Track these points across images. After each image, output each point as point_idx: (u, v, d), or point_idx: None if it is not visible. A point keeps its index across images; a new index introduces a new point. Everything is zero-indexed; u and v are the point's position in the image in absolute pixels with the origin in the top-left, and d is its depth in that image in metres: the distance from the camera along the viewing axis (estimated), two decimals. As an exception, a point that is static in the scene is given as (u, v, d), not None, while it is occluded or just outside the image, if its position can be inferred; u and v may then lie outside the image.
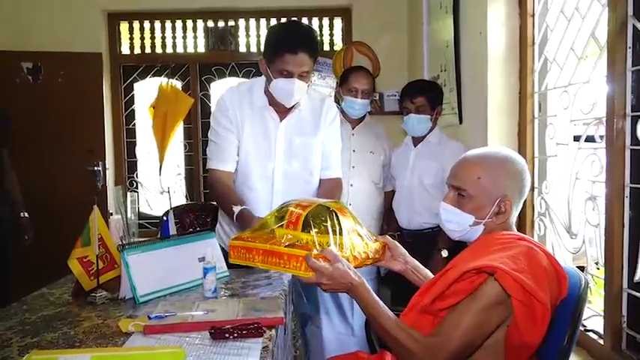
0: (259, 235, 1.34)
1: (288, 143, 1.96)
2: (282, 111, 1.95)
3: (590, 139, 1.70)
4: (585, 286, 1.23)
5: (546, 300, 1.10)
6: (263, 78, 1.95)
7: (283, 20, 3.88)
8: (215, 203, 2.22)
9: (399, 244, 1.43)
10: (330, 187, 2.03)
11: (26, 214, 2.89)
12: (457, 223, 1.29)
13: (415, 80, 2.71)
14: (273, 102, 1.92)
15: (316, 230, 1.26)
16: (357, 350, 1.75)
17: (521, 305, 1.09)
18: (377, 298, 1.22)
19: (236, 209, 1.80)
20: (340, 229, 1.27)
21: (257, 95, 1.95)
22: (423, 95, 2.41)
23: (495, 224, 1.27)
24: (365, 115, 2.65)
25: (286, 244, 1.26)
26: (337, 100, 2.75)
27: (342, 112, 2.64)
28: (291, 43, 1.78)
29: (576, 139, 1.77)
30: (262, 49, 1.91)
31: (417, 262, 1.48)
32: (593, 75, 1.67)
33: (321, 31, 3.92)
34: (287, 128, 1.96)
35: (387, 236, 1.45)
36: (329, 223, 1.27)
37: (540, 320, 1.10)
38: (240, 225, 1.77)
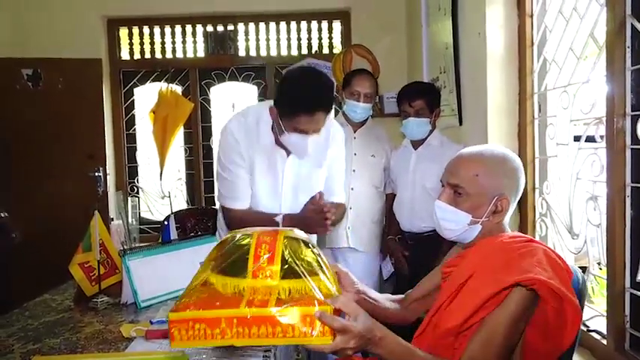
0: (214, 296, 0.94)
1: (296, 176, 1.91)
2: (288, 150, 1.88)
3: (590, 139, 1.70)
4: (583, 281, 1.23)
5: (576, 302, 1.08)
6: (267, 110, 1.84)
7: (283, 24, 3.89)
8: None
9: (348, 272, 1.28)
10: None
11: (6, 214, 2.86)
12: (454, 222, 1.25)
13: (412, 83, 2.64)
14: (279, 141, 1.84)
15: (307, 269, 0.96)
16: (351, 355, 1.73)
17: (554, 311, 1.09)
18: (407, 344, 1.06)
19: (278, 219, 1.83)
20: (324, 262, 1.02)
21: (264, 132, 1.86)
22: (422, 98, 2.39)
23: (492, 223, 1.24)
24: (367, 119, 2.65)
25: (269, 300, 0.90)
26: (339, 103, 2.75)
27: (344, 114, 2.64)
28: (308, 105, 1.68)
29: (577, 139, 1.77)
30: (275, 94, 1.80)
31: (365, 287, 1.37)
32: (592, 75, 1.67)
33: (320, 34, 3.93)
34: (294, 161, 1.90)
35: (337, 265, 1.29)
36: (310, 258, 1.00)
37: (571, 324, 1.09)
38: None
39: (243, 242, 1.02)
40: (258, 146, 1.86)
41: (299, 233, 1.07)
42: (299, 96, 1.68)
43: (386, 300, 1.44)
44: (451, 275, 1.27)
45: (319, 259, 1.01)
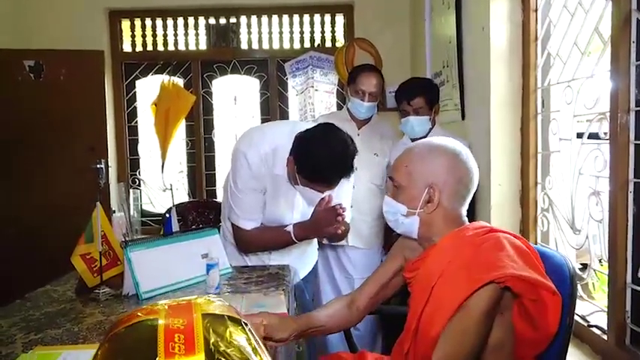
0: None
1: (307, 208, 1.91)
2: None
3: (593, 136, 1.69)
4: (573, 267, 1.23)
5: (552, 286, 1.08)
6: (285, 142, 1.78)
7: (286, 17, 3.87)
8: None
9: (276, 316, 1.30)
10: None
11: None
12: (392, 213, 1.27)
13: (409, 80, 2.54)
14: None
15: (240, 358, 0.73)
16: (338, 351, 1.73)
17: (532, 303, 1.09)
18: None
19: (289, 229, 1.85)
20: (257, 340, 0.80)
21: (279, 166, 1.82)
22: (420, 96, 2.33)
23: (427, 214, 1.23)
24: (372, 116, 2.63)
25: None
26: (343, 99, 2.74)
27: (348, 110, 2.63)
28: (331, 179, 1.69)
29: (579, 136, 1.76)
30: (294, 150, 1.74)
31: (304, 319, 1.39)
32: (596, 70, 1.66)
33: (323, 27, 3.92)
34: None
35: (265, 313, 1.30)
36: (242, 339, 0.77)
37: (552, 308, 1.09)
38: (305, 234, 1.86)
39: (143, 335, 0.74)
40: (271, 175, 1.84)
41: (219, 304, 0.84)
42: (323, 169, 1.64)
43: (331, 314, 1.43)
44: (417, 278, 1.25)
45: (251, 336, 0.80)
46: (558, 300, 1.10)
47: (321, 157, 1.63)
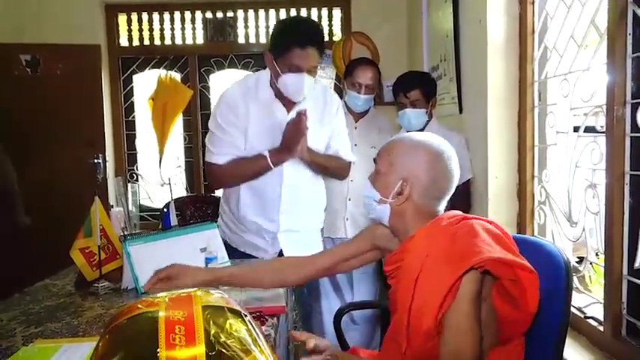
0: None
1: None
2: (289, 103, 1.95)
3: (590, 129, 1.70)
4: (568, 258, 1.24)
5: (529, 265, 1.10)
6: (267, 71, 1.94)
7: (283, 12, 3.88)
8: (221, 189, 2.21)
9: None
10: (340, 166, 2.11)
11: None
12: (367, 197, 1.29)
13: (406, 73, 2.57)
14: (279, 95, 1.92)
15: (241, 349, 0.74)
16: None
17: (511, 284, 1.11)
18: None
19: (265, 153, 1.86)
20: (257, 331, 0.81)
21: (263, 88, 1.94)
22: (417, 88, 2.34)
23: (397, 206, 1.24)
24: (369, 109, 2.64)
25: None
26: (341, 92, 2.74)
27: (345, 104, 2.63)
28: (300, 39, 1.79)
29: (576, 129, 1.77)
30: (269, 42, 1.91)
31: (216, 272, 1.43)
32: (593, 63, 1.66)
33: (319, 21, 3.90)
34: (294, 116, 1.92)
35: None
36: (242, 330, 0.78)
37: (530, 287, 1.10)
38: (280, 155, 1.86)
39: (144, 327, 0.75)
40: (257, 101, 1.93)
41: (219, 296, 0.85)
42: (291, 31, 1.83)
43: (254, 268, 1.49)
44: (399, 272, 1.26)
45: (251, 327, 0.80)
46: (535, 278, 1.11)
47: (286, 24, 1.90)
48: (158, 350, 0.71)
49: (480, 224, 1.18)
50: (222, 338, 0.75)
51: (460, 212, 1.28)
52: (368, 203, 1.30)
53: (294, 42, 1.79)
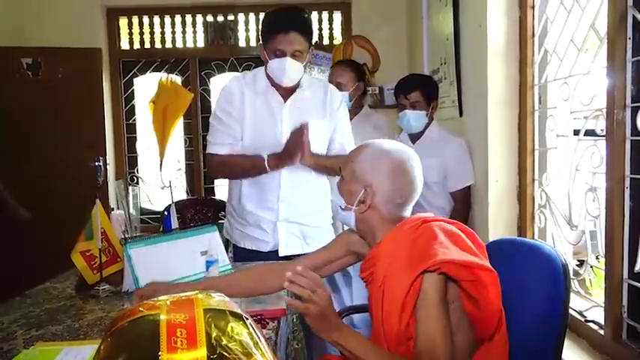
0: None
1: (295, 124, 1.94)
2: (285, 93, 1.99)
3: (590, 132, 1.70)
4: (565, 260, 1.24)
5: (487, 265, 1.11)
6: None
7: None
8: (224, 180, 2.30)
9: None
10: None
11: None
12: (333, 202, 1.37)
13: (408, 75, 2.60)
14: (274, 84, 1.97)
15: (242, 352, 0.74)
16: (326, 354, 1.72)
17: (471, 284, 1.11)
18: (365, 339, 1.14)
19: (264, 154, 1.88)
20: (258, 335, 0.80)
21: (259, 79, 2.01)
22: (418, 90, 2.35)
23: (360, 214, 1.25)
24: (361, 108, 2.66)
25: None
26: None
27: None
28: (282, 24, 1.86)
29: (576, 133, 1.77)
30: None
31: (202, 285, 1.43)
32: (593, 66, 1.67)
33: (320, 25, 3.92)
34: (292, 109, 1.99)
35: None
36: (243, 333, 0.78)
37: (491, 284, 1.12)
38: (278, 161, 1.87)
39: (145, 330, 0.75)
40: (254, 91, 2.00)
41: (220, 299, 0.85)
42: (274, 19, 1.90)
43: (234, 283, 1.46)
44: (371, 280, 1.27)
45: (252, 331, 0.80)
46: (495, 277, 1.12)
47: (271, 12, 1.93)
48: (160, 353, 0.71)
49: (440, 226, 1.19)
50: (224, 341, 0.75)
51: (423, 215, 1.27)
52: (334, 209, 1.34)
53: (276, 27, 1.87)
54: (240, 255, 2.04)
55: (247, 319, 0.84)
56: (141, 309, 0.81)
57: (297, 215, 2.03)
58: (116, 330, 0.79)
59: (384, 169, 1.23)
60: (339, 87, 2.52)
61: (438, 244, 1.13)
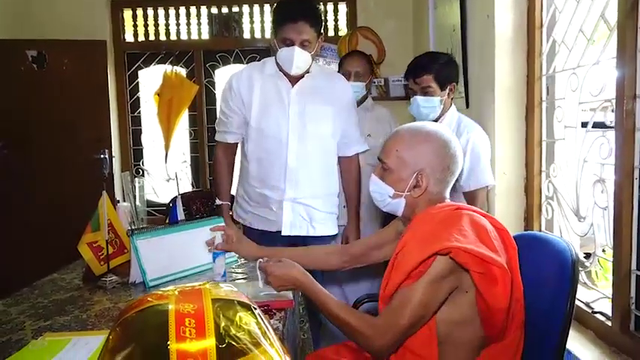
0: None
1: (302, 108, 2.05)
2: (293, 80, 2.05)
3: (598, 124, 1.68)
4: (576, 253, 1.25)
5: (501, 262, 1.12)
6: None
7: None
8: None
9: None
10: (349, 166, 2.23)
11: None
12: (379, 193, 1.33)
13: (420, 55, 2.19)
14: (283, 71, 2.03)
15: (251, 342, 0.75)
16: (333, 344, 1.72)
17: (480, 276, 1.12)
18: (322, 289, 1.26)
19: (218, 202, 2.14)
20: (267, 325, 0.82)
21: (269, 66, 2.09)
22: (428, 73, 2.03)
23: (416, 198, 1.29)
24: (366, 99, 2.64)
25: None
26: None
27: None
28: (291, 13, 1.92)
29: (584, 125, 1.75)
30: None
31: (271, 251, 1.58)
32: (602, 57, 1.65)
33: (325, 16, 3.89)
34: (299, 94, 2.06)
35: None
36: (252, 323, 0.79)
37: (502, 282, 1.12)
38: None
39: (154, 320, 0.76)
40: (262, 76, 2.08)
41: (229, 290, 0.86)
42: (283, 8, 1.96)
43: (309, 253, 1.66)
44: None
45: (260, 320, 0.81)
46: (506, 275, 1.13)
47: (280, 2, 2.01)
48: (168, 342, 0.71)
49: (469, 215, 1.21)
50: (232, 331, 0.76)
51: (461, 204, 1.30)
52: (380, 199, 1.34)
53: (285, 16, 1.93)
54: (251, 237, 2.05)
55: (255, 309, 0.84)
56: (149, 299, 0.81)
57: (304, 196, 2.07)
58: (125, 320, 0.79)
59: (431, 151, 1.27)
60: (357, 76, 2.53)
61: (456, 230, 1.15)
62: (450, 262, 1.12)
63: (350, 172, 2.24)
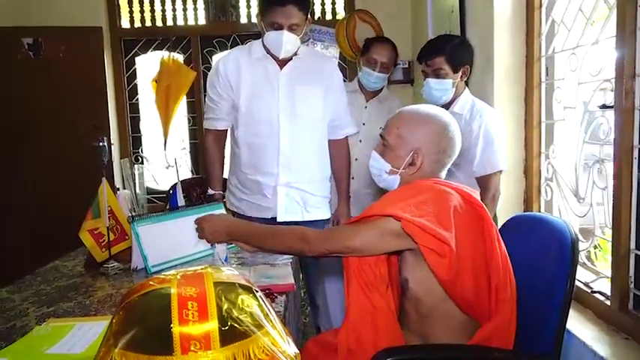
0: None
1: (292, 90, 2.05)
2: (281, 62, 2.04)
3: (599, 105, 1.67)
4: (576, 233, 1.26)
5: (447, 237, 1.16)
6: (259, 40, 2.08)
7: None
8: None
9: None
10: (339, 149, 2.23)
11: None
12: (377, 168, 1.39)
13: (433, 38, 2.22)
14: (270, 54, 2.02)
15: (253, 324, 0.76)
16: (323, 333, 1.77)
17: (428, 250, 1.17)
18: (257, 224, 1.44)
19: (211, 191, 2.13)
20: (269, 308, 0.82)
21: (255, 49, 2.07)
22: (440, 55, 1.99)
23: (409, 175, 1.34)
24: (382, 89, 2.61)
25: None
26: (344, 71, 2.71)
27: (359, 82, 2.60)
28: None
29: (584, 104, 1.75)
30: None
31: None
32: (601, 36, 1.64)
33: (322, 0, 3.86)
34: (288, 76, 2.05)
35: None
36: (254, 306, 0.79)
37: (448, 256, 1.17)
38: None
39: (157, 303, 0.76)
40: (249, 59, 2.06)
41: (230, 273, 0.86)
42: None
43: None
44: None
45: (262, 303, 0.81)
46: (451, 251, 1.17)
47: None
48: (171, 325, 0.72)
49: (440, 189, 1.26)
50: (235, 313, 0.76)
51: (453, 182, 1.34)
52: (377, 174, 1.40)
53: (274, 0, 1.91)
54: None
55: (257, 291, 0.85)
56: (151, 283, 0.82)
57: (298, 181, 2.07)
58: (128, 303, 0.80)
59: (430, 132, 1.32)
60: (383, 67, 2.48)
61: (416, 203, 1.21)
62: (399, 227, 1.19)
63: (340, 155, 2.24)
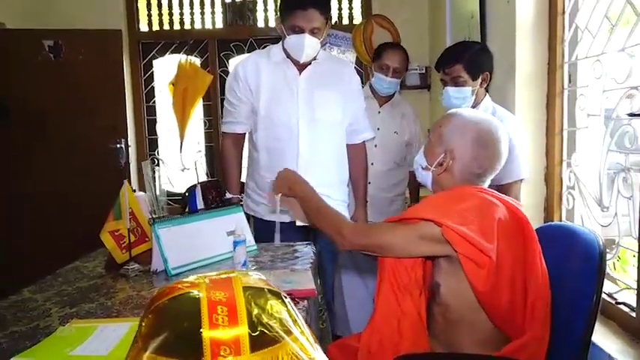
0: None
1: (311, 94, 2.04)
2: (301, 66, 2.04)
3: (625, 113, 1.65)
4: (604, 244, 1.24)
5: (489, 248, 1.14)
6: (279, 44, 2.08)
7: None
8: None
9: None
10: (357, 153, 2.23)
11: None
12: (417, 162, 1.41)
13: (452, 45, 2.22)
14: (290, 58, 2.02)
15: (283, 330, 0.75)
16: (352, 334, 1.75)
17: (467, 260, 1.16)
18: (319, 199, 1.48)
19: (228, 195, 2.14)
20: (297, 313, 0.81)
21: (275, 52, 2.07)
22: (458, 62, 1.97)
23: (437, 175, 1.33)
24: (394, 94, 2.61)
25: None
26: (360, 76, 2.71)
27: (371, 87, 2.61)
28: (301, 0, 1.89)
29: (608, 112, 1.72)
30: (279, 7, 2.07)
31: None
32: (628, 43, 1.61)
33: (340, 4, 3.86)
34: (307, 80, 2.05)
35: None
36: (283, 312, 0.78)
37: (487, 267, 1.15)
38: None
39: (186, 307, 0.75)
40: (269, 62, 2.06)
41: (258, 278, 0.85)
42: None
43: None
44: None
45: (290, 308, 0.80)
46: (490, 263, 1.15)
47: None
48: (201, 330, 0.72)
49: (483, 198, 1.24)
50: (265, 319, 0.75)
51: (494, 191, 1.31)
52: (416, 167, 1.42)
53: (295, 3, 1.91)
54: (262, 229, 2.06)
55: (286, 297, 0.84)
56: (180, 286, 0.81)
57: (317, 185, 2.04)
58: (157, 307, 0.79)
59: (468, 137, 1.30)
60: (396, 72, 2.49)
61: (459, 211, 1.19)
62: (438, 233, 1.19)
63: (358, 159, 2.24)
